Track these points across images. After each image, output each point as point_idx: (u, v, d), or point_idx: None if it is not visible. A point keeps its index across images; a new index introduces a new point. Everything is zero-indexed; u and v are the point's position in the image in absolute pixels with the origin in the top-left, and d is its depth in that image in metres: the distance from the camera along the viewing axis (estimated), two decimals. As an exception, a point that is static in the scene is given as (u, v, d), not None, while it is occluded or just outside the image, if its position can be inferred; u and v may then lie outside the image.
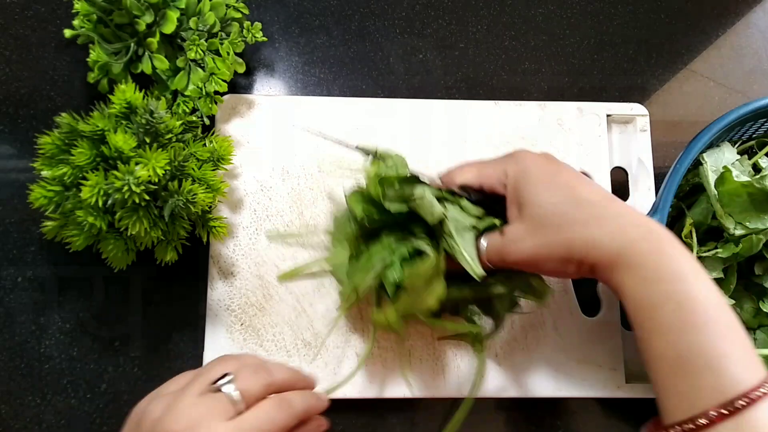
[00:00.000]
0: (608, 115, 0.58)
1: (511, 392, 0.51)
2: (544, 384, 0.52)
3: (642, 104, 0.58)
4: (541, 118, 0.58)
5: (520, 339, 0.53)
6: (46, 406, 0.50)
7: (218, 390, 0.35)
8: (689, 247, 0.51)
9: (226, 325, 0.51)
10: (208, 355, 0.50)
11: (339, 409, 0.50)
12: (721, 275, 0.51)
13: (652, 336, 0.36)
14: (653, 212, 0.47)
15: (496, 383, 0.52)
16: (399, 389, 0.51)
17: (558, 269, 0.40)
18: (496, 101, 0.58)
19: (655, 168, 0.58)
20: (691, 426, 0.33)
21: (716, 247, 0.51)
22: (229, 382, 0.35)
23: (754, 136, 0.55)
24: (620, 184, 0.58)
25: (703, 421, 0.32)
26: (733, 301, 0.52)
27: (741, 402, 0.32)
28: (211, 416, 0.33)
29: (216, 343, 0.51)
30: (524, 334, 0.53)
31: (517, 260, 0.41)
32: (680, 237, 0.52)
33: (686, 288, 0.35)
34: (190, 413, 0.34)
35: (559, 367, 0.52)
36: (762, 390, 0.32)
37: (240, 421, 0.34)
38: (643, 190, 0.57)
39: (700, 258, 0.51)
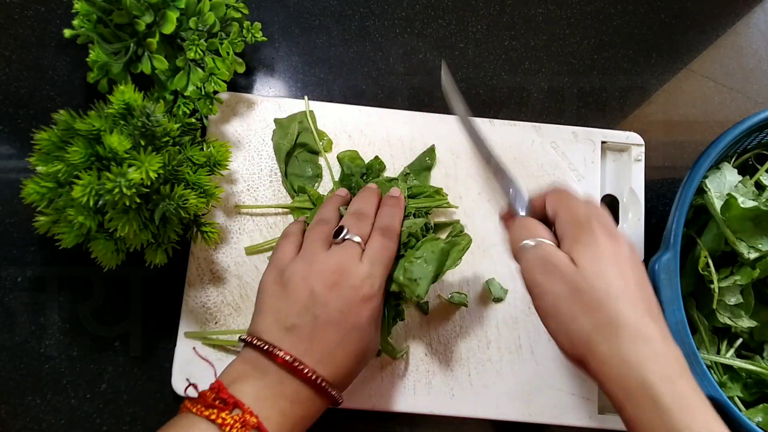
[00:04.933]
0: (603, 142, 0.57)
1: (480, 412, 0.51)
2: (514, 407, 0.51)
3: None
4: (534, 139, 0.57)
5: (495, 360, 0.52)
6: (46, 406, 0.50)
7: (343, 240, 0.42)
8: (709, 279, 0.50)
9: (201, 323, 0.51)
10: (179, 350, 0.50)
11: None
12: (741, 299, 0.50)
13: None
14: (665, 250, 0.45)
15: (466, 402, 0.51)
16: (368, 401, 0.50)
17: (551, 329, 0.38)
18: (492, 120, 0.57)
19: (653, 169, 0.58)
20: None
21: (732, 273, 0.50)
22: (348, 232, 0.42)
23: (749, 148, 0.55)
24: (610, 212, 0.57)
25: None
26: (755, 323, 0.51)
27: None
28: (350, 260, 0.41)
29: (188, 340, 0.50)
30: (499, 356, 0.52)
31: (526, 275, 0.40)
32: (696, 269, 0.51)
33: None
34: (332, 263, 0.40)
35: (532, 392, 0.52)
36: None
37: (369, 258, 0.42)
38: (633, 221, 0.56)
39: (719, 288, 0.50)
